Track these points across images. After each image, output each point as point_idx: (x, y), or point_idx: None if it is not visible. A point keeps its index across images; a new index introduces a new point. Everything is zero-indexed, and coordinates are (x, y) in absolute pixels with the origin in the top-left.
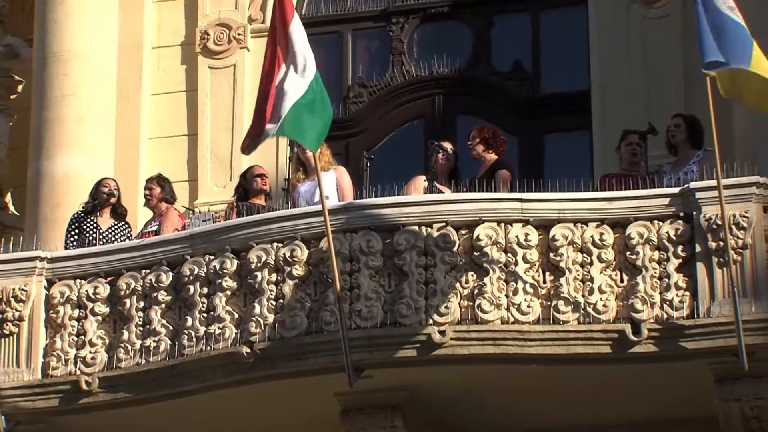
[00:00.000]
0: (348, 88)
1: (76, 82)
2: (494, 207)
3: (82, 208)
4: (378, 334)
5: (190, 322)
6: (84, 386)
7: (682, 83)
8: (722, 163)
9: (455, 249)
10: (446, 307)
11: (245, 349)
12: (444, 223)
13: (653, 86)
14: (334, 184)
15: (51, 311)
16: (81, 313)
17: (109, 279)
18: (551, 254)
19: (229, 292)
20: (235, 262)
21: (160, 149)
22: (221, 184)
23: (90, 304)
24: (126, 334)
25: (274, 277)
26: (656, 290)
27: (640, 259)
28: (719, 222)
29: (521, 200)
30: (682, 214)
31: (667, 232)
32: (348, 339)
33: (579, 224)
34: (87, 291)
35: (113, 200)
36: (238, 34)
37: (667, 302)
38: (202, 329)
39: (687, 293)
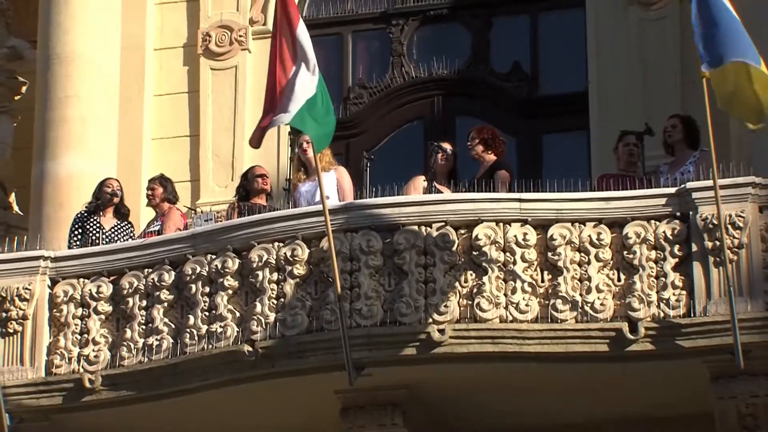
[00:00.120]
0: (348, 89)
1: (80, 84)
2: (493, 207)
3: (86, 207)
4: (378, 333)
5: (192, 320)
6: (87, 384)
7: (678, 84)
8: (718, 164)
9: (454, 248)
10: (445, 306)
11: (247, 348)
12: (443, 223)
13: (650, 87)
14: (334, 185)
15: (54, 310)
16: (84, 312)
17: (112, 278)
18: (549, 254)
19: (230, 291)
20: (237, 261)
21: (163, 150)
22: (223, 184)
23: (93, 303)
24: (129, 333)
25: (275, 276)
26: (653, 289)
27: (637, 258)
28: (715, 222)
29: (520, 200)
30: (678, 213)
31: (664, 232)
32: (348, 337)
33: (577, 224)
34: (90, 290)
35: (116, 200)
36: (240, 36)
37: (664, 301)
38: (204, 328)
39: (683, 292)
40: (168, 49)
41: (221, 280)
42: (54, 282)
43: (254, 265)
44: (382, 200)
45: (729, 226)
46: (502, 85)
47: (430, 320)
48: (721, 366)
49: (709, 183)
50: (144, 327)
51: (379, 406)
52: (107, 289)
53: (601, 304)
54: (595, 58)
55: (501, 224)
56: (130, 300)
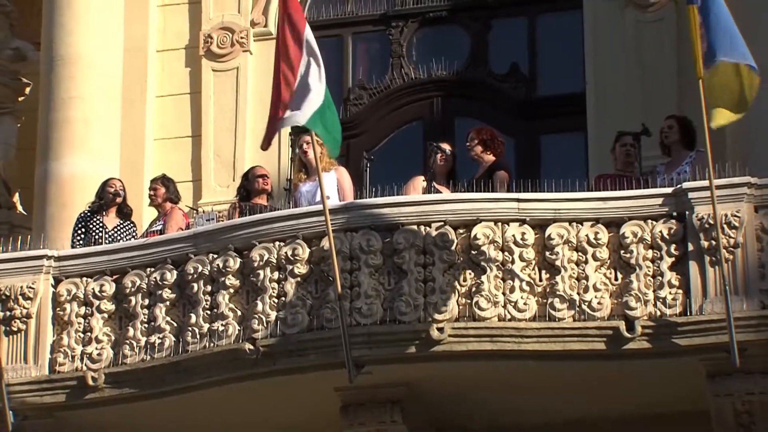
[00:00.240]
0: (348, 91)
1: (83, 85)
2: (491, 207)
3: (89, 207)
4: (378, 331)
5: (194, 319)
6: (90, 382)
7: (675, 85)
8: (714, 164)
9: (453, 248)
10: (444, 305)
11: (248, 346)
12: (442, 223)
13: (647, 88)
14: (334, 185)
15: (58, 308)
16: (87, 311)
17: (114, 277)
18: (547, 253)
19: (232, 290)
20: (238, 260)
21: (165, 150)
22: (224, 185)
23: (96, 302)
24: (131, 331)
25: (276, 275)
26: (650, 288)
27: (634, 257)
28: (711, 221)
29: (518, 200)
30: (675, 213)
31: (661, 231)
32: (348, 336)
33: (574, 223)
34: (93, 289)
35: (119, 200)
36: (241, 38)
37: (661, 300)
38: (206, 326)
39: (680, 291)
40: (170, 50)
41: (223, 279)
42: (57, 281)
43: (255, 264)
44: (381, 200)
45: (725, 226)
46: (500, 87)
47: (429, 319)
48: (717, 364)
49: (705, 183)
50: (146, 325)
51: (378, 404)
52: (110, 287)
53: (599, 303)
54: (592, 60)
55: (499, 224)
56: (133, 299)
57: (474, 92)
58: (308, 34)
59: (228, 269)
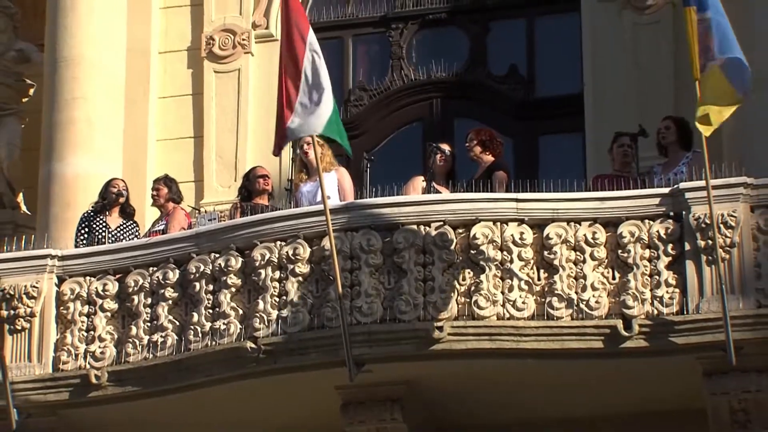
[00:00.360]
0: (349, 92)
1: (86, 86)
2: (490, 207)
3: (92, 207)
4: (378, 330)
5: (196, 318)
6: (93, 380)
7: (672, 87)
8: (711, 164)
9: (452, 247)
10: (444, 304)
11: (249, 344)
12: (442, 223)
13: (644, 89)
14: (335, 185)
15: (62, 307)
16: (91, 309)
17: (117, 276)
18: (545, 252)
19: (233, 289)
20: (240, 259)
21: (167, 151)
22: (226, 185)
23: (99, 301)
24: (134, 330)
25: (277, 274)
26: (647, 287)
27: (632, 257)
28: (708, 221)
29: (516, 200)
30: (672, 213)
31: (658, 231)
32: (349, 334)
33: (572, 223)
34: (96, 288)
35: (122, 200)
36: (243, 40)
37: (658, 299)
38: (208, 325)
39: (677, 290)
40: (172, 52)
41: (224, 278)
42: (61, 280)
43: (257, 263)
44: (381, 200)
45: (721, 226)
46: (499, 88)
47: (429, 317)
48: (714, 362)
49: (702, 183)
50: (149, 324)
51: (378, 402)
52: (113, 287)
53: (596, 302)
54: (590, 62)
55: (498, 224)
56: (136, 298)
57: (473, 93)
58: (311, 36)
59: (230, 268)
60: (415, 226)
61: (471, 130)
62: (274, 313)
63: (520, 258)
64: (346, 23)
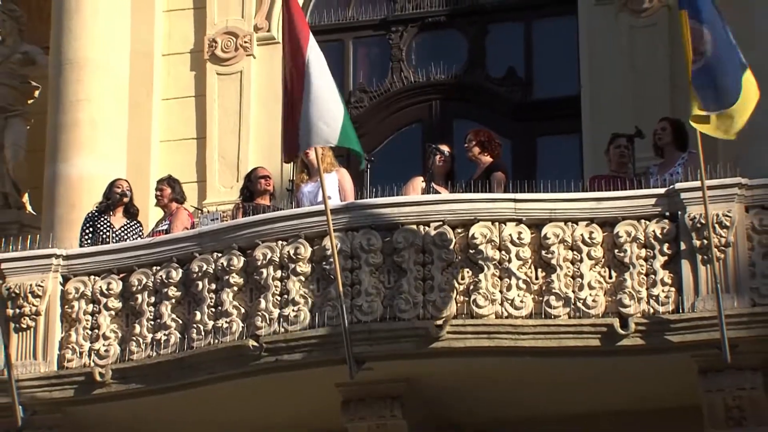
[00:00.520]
0: (349, 94)
1: (90, 88)
2: (489, 207)
3: (96, 207)
4: (378, 328)
5: (198, 316)
6: (98, 377)
7: (668, 88)
8: (706, 165)
9: (451, 247)
10: (443, 303)
11: (251, 343)
12: (441, 222)
13: (640, 91)
14: (336, 185)
15: (66, 306)
16: (95, 308)
17: (121, 275)
18: (543, 252)
19: (236, 288)
20: (242, 259)
21: (170, 152)
22: (228, 185)
23: (103, 300)
24: (138, 328)
25: (278, 273)
26: (643, 286)
27: (628, 256)
28: (703, 221)
29: (514, 200)
30: (667, 213)
31: (654, 231)
32: (349, 333)
33: (570, 223)
34: (101, 287)
35: (126, 200)
36: (245, 42)
37: (654, 297)
38: (211, 323)
39: (672, 289)
40: (175, 54)
41: (227, 277)
42: (66, 279)
43: (259, 262)
44: (382, 200)
45: (716, 226)
46: (497, 90)
47: (428, 316)
48: (709, 360)
49: (697, 184)
50: (152, 322)
51: (379, 399)
52: (117, 286)
53: (593, 301)
54: (587, 64)
55: (496, 223)
56: (139, 296)
57: (472, 95)
58: (312, 41)
59: (232, 268)
60: (414, 226)
61: (470, 131)
62: (276, 312)
63: (518, 257)
64: (346, 26)
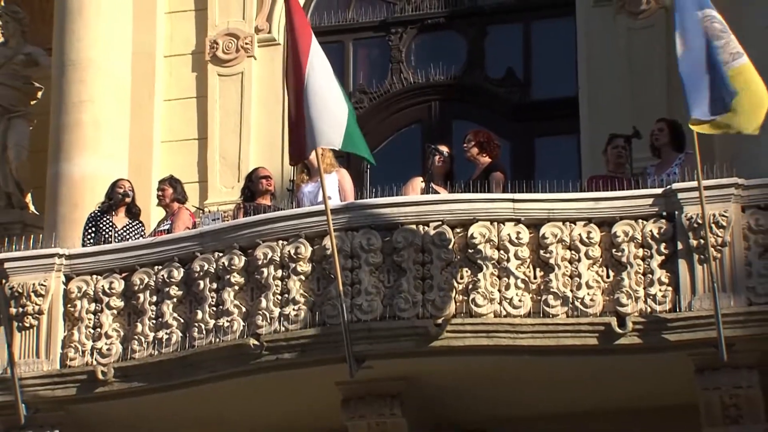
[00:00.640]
0: (349, 95)
1: (93, 89)
2: (487, 207)
3: (99, 207)
4: (378, 327)
5: (200, 315)
6: (100, 376)
7: (665, 89)
8: (703, 165)
9: (451, 246)
10: (442, 302)
11: (252, 341)
12: (440, 222)
13: (638, 92)
14: (336, 185)
15: (69, 305)
16: (97, 307)
17: (123, 275)
18: (541, 251)
19: (237, 287)
20: (243, 258)
21: (172, 152)
22: (229, 185)
23: (106, 299)
24: (140, 327)
25: (279, 273)
26: (640, 285)
27: (625, 256)
28: (700, 221)
29: (513, 200)
30: (664, 213)
31: (651, 231)
32: (349, 331)
33: (567, 223)
34: (103, 286)
35: (128, 200)
36: (246, 44)
37: (651, 297)
38: (212, 322)
39: (669, 288)
40: (177, 56)
41: (228, 276)
42: (68, 278)
43: (259, 262)
44: (381, 200)
45: (713, 225)
46: (496, 91)
47: (428, 315)
48: (706, 359)
49: (694, 184)
50: (154, 321)
51: (378, 397)
52: (119, 285)
53: (591, 300)
54: (585, 65)
55: (495, 223)
56: (141, 296)
57: (471, 96)
58: (314, 43)
59: (233, 267)
60: (414, 226)
61: (469, 131)
62: (277, 311)
63: (516, 257)
64: (346, 28)
